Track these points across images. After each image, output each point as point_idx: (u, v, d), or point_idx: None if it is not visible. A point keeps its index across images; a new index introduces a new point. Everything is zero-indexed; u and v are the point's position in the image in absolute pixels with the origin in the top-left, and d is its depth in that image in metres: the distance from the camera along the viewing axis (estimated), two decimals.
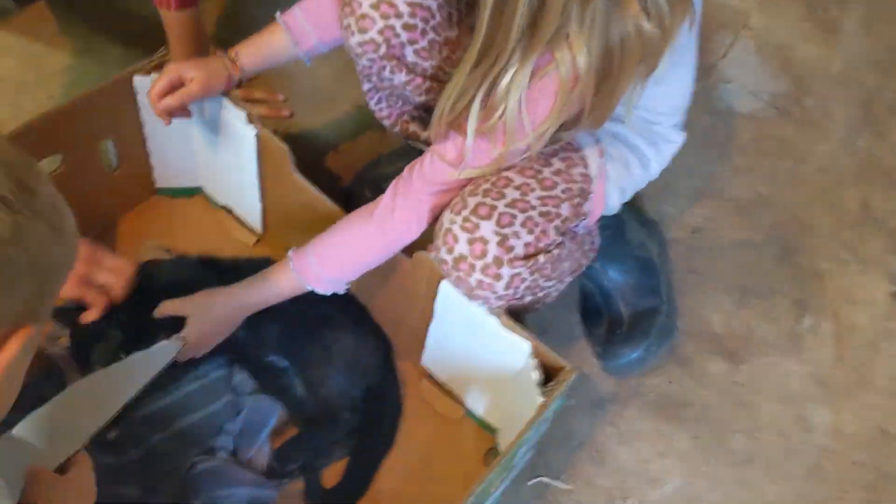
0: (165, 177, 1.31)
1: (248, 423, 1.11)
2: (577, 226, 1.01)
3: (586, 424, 1.20)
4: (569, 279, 1.08)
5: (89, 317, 1.04)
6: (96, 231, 1.25)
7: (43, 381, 1.08)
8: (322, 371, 1.11)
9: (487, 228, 0.92)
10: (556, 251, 0.96)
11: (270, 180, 1.20)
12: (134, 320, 1.06)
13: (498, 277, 0.93)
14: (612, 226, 1.20)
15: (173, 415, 1.08)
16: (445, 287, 1.02)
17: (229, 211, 1.32)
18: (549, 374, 0.99)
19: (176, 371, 1.06)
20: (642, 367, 1.24)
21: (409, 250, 1.03)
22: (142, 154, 1.25)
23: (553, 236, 0.95)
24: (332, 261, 1.01)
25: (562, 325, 1.29)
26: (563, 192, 0.97)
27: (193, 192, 1.34)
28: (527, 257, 0.93)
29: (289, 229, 1.24)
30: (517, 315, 1.01)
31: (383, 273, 1.07)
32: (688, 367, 1.28)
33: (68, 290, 1.02)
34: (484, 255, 0.92)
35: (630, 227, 1.27)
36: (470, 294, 0.97)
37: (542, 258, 0.94)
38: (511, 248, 0.92)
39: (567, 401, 1.22)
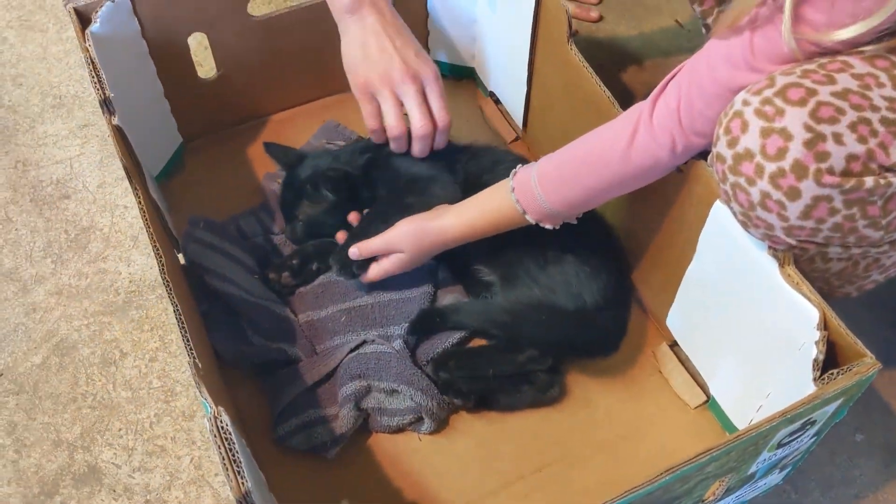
0: (440, 47, 1.17)
1: None
2: None
3: (874, 473, 0.91)
4: None
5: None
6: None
7: (249, 215, 1.02)
8: (525, 295, 0.89)
9: (796, 118, 0.63)
10: (895, 181, 0.64)
11: (542, 54, 1.00)
12: (348, 184, 0.96)
13: (794, 195, 0.64)
14: None
15: (357, 289, 0.94)
16: (718, 210, 0.76)
17: (496, 101, 1.15)
18: (835, 364, 0.69)
19: None
20: None
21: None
22: (420, 11, 1.11)
23: None
24: (556, 182, 0.80)
25: (876, 334, 0.95)
26: None
27: (465, 74, 1.18)
28: (846, 175, 0.63)
29: (549, 126, 1.06)
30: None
31: (643, 189, 0.83)
32: None
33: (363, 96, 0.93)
34: (781, 155, 0.63)
35: None
36: (747, 215, 0.68)
37: (869, 181, 0.63)
38: (825, 156, 0.63)
39: (856, 434, 0.89)
